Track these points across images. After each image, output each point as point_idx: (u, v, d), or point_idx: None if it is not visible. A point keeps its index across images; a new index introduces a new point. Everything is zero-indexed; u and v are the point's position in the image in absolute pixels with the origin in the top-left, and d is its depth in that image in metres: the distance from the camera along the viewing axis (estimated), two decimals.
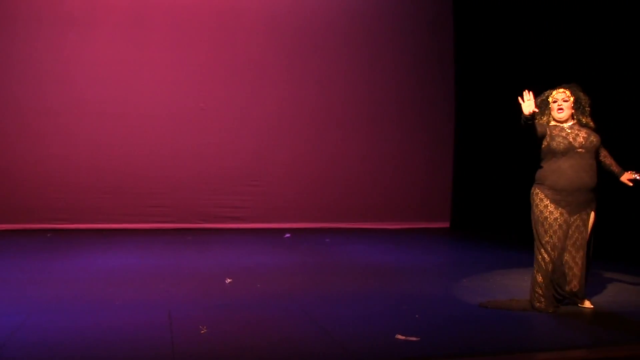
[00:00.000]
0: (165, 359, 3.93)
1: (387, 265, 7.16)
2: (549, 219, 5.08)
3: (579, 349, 4.34)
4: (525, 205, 5.30)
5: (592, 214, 5.15)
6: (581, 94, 5.21)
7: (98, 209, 9.70)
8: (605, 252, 6.21)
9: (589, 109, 5.21)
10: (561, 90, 5.19)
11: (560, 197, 5.06)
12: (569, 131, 5.11)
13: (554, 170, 5.08)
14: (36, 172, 9.56)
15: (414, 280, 6.30)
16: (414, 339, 4.30)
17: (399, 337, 4.33)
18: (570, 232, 5.08)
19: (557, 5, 8.74)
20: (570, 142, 5.05)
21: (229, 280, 6.12)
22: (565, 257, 5.08)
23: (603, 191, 5.26)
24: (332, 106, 10.31)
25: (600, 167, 5.23)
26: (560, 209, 5.06)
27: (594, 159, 5.13)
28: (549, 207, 5.08)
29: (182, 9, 9.94)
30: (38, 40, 9.56)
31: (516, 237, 8.28)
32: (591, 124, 5.20)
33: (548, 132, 5.11)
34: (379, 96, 10.39)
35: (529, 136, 5.12)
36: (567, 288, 5.10)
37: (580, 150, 5.05)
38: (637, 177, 5.19)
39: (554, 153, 5.08)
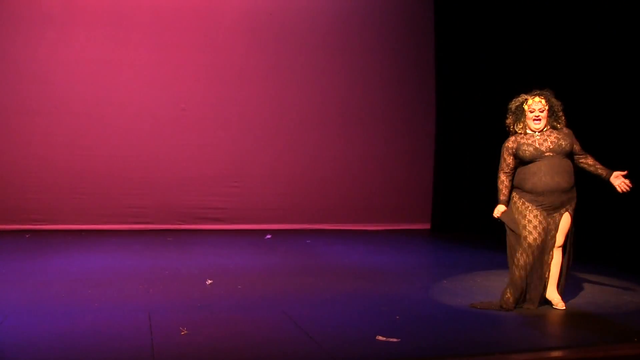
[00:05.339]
0: None
1: (367, 266, 7.17)
2: (532, 222, 5.14)
3: (557, 350, 4.38)
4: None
5: (568, 215, 5.21)
6: (554, 100, 5.26)
7: (77, 209, 9.61)
8: (583, 253, 6.26)
9: (561, 113, 5.27)
10: (537, 99, 5.21)
11: (539, 200, 5.13)
12: (538, 138, 5.19)
13: (534, 173, 5.15)
14: (14, 172, 9.46)
15: (394, 282, 6.32)
16: (394, 340, 4.32)
17: (380, 338, 4.34)
18: (551, 233, 5.17)
19: (539, 7, 8.79)
20: (536, 148, 5.14)
21: (209, 281, 6.11)
22: (545, 257, 5.19)
23: (581, 192, 5.31)
24: (313, 108, 10.30)
25: (585, 171, 5.30)
26: (540, 211, 5.14)
27: (568, 160, 5.20)
28: (533, 211, 5.15)
29: (163, 8, 9.87)
30: (16, 39, 9.46)
31: (496, 238, 8.30)
32: (564, 127, 5.26)
33: (516, 147, 5.20)
34: (359, 98, 10.39)
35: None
36: (539, 290, 5.19)
37: (548, 154, 5.13)
38: (624, 182, 5.12)
39: (524, 161, 5.18)
